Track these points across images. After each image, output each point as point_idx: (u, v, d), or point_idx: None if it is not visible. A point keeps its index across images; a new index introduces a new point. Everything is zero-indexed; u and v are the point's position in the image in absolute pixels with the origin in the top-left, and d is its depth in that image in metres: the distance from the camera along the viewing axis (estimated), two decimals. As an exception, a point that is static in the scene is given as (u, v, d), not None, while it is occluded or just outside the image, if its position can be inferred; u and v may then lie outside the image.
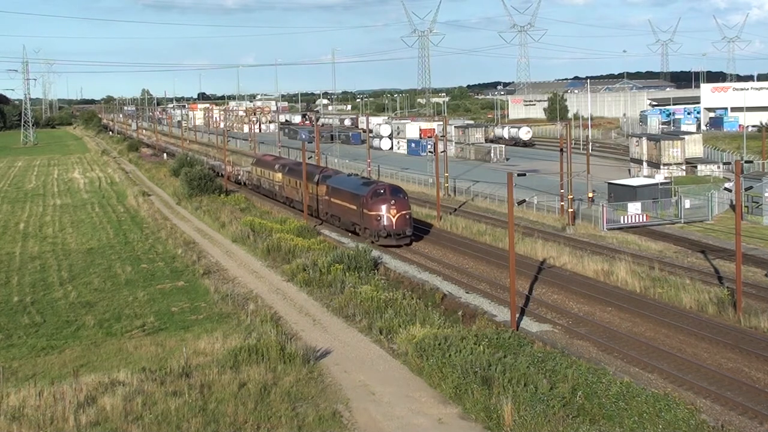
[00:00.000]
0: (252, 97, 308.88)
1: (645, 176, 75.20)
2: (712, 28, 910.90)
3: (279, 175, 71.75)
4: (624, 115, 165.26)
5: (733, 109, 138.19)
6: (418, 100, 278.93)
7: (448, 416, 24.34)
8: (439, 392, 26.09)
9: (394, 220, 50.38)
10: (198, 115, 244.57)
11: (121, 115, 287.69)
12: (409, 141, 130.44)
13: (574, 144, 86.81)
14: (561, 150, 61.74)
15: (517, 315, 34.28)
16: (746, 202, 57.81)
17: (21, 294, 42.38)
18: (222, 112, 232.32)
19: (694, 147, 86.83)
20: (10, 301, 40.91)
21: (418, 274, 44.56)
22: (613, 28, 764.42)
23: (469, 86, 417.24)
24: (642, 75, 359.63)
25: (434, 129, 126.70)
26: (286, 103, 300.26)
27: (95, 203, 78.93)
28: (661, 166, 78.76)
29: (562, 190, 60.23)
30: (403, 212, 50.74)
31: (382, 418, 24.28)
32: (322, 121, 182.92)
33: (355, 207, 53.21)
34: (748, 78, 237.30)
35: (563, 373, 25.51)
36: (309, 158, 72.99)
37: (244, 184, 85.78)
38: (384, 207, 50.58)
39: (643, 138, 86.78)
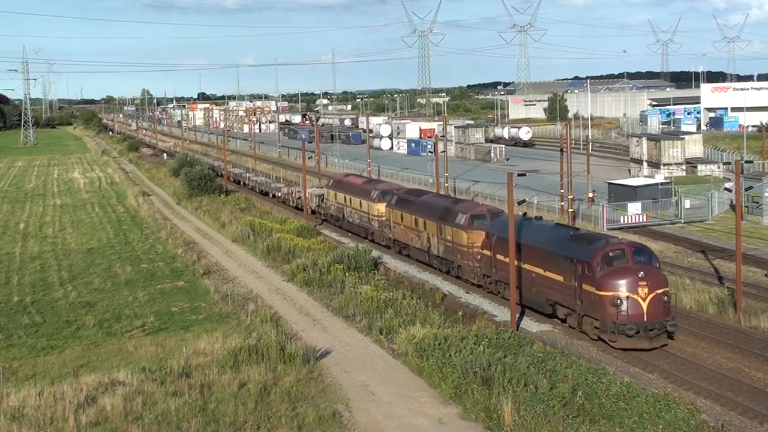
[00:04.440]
0: (252, 97, 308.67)
1: (645, 176, 75.21)
2: (712, 28, 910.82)
3: (380, 207, 51.95)
4: (624, 115, 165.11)
5: (733, 109, 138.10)
6: (418, 100, 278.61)
7: (448, 416, 24.34)
8: (439, 392, 26.09)
9: (645, 305, 30.63)
10: (198, 115, 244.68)
11: (121, 115, 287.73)
12: (409, 141, 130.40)
13: (574, 144, 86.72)
14: (561, 150, 61.74)
15: (517, 315, 34.30)
16: (746, 202, 57.76)
17: (21, 294, 42.40)
18: (222, 112, 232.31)
19: (694, 147, 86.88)
20: (10, 301, 40.94)
21: (418, 274, 44.55)
22: (613, 28, 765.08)
23: (469, 86, 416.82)
24: (642, 75, 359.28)
25: (434, 129, 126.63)
26: (286, 103, 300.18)
27: (95, 203, 78.97)
28: (661, 166, 78.75)
29: (562, 190, 60.22)
30: (659, 291, 31.03)
31: (382, 418, 24.28)
32: (322, 121, 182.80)
33: (561, 278, 33.31)
34: (748, 78, 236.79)
35: (563, 373, 25.53)
36: (309, 158, 72.81)
37: (312, 212, 64.37)
38: (626, 283, 30.66)
39: (643, 138, 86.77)
